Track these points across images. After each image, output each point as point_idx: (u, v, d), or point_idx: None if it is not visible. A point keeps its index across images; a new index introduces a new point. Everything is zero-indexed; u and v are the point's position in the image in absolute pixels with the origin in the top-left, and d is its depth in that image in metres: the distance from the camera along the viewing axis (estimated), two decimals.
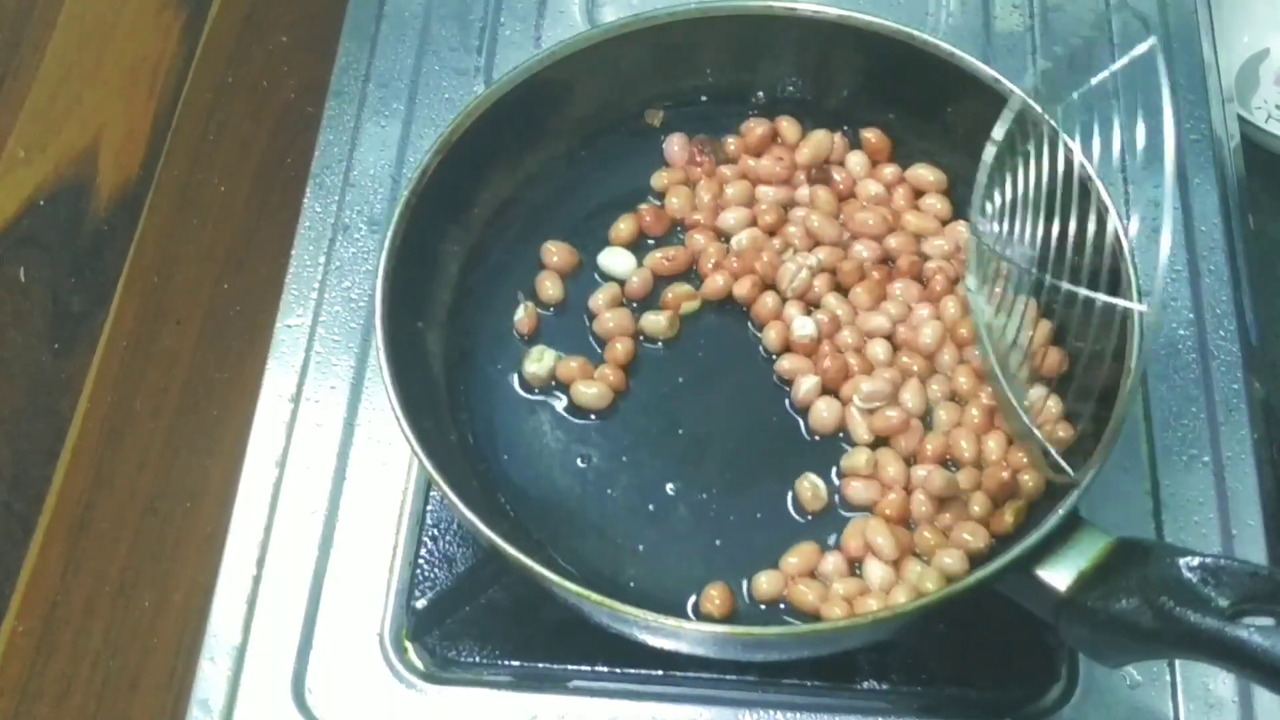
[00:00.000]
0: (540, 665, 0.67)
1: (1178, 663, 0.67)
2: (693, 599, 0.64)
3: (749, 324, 0.72)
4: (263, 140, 0.93)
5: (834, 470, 0.68)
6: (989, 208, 0.65)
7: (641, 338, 0.71)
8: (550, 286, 0.72)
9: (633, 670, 0.67)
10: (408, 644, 0.69)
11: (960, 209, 0.73)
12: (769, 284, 0.71)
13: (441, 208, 0.69)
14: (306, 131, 0.85)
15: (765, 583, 0.64)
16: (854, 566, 0.65)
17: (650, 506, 0.67)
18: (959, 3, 0.89)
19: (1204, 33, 0.87)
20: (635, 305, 0.72)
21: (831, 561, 0.64)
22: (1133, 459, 0.72)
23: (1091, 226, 0.60)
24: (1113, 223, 0.62)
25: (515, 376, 0.71)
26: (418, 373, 0.67)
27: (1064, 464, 0.59)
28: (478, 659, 0.67)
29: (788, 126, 0.75)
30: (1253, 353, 0.75)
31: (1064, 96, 0.62)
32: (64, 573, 0.77)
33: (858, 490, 0.66)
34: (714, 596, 0.63)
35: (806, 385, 0.68)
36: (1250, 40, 1.01)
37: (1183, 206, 0.80)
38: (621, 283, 0.72)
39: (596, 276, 0.73)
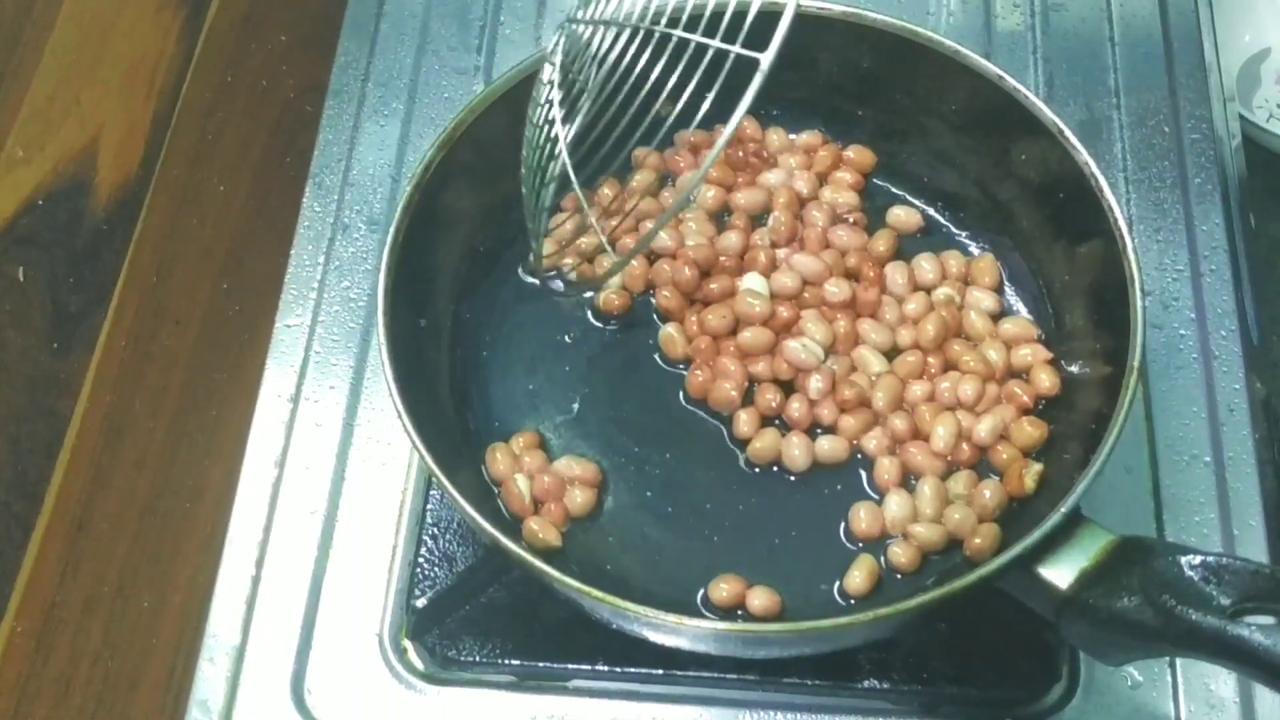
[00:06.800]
0: (540, 664, 0.67)
1: (1179, 662, 0.67)
2: (701, 592, 0.64)
3: None
4: (262, 140, 0.93)
5: None
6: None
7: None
8: None
9: (633, 670, 0.66)
10: (407, 644, 0.68)
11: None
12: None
13: (444, 204, 0.69)
14: (306, 131, 0.85)
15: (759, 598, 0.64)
16: None
17: (651, 501, 0.67)
18: (960, 2, 0.89)
19: (1205, 32, 0.87)
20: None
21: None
22: (1134, 459, 0.72)
23: None
24: None
25: (517, 372, 0.71)
26: (419, 369, 0.67)
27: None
28: (478, 658, 0.67)
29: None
30: (1254, 352, 0.75)
31: None
32: (63, 573, 0.77)
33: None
34: (723, 587, 0.63)
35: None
36: (1251, 39, 1.01)
37: (1184, 206, 0.80)
38: None
39: None
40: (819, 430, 0.68)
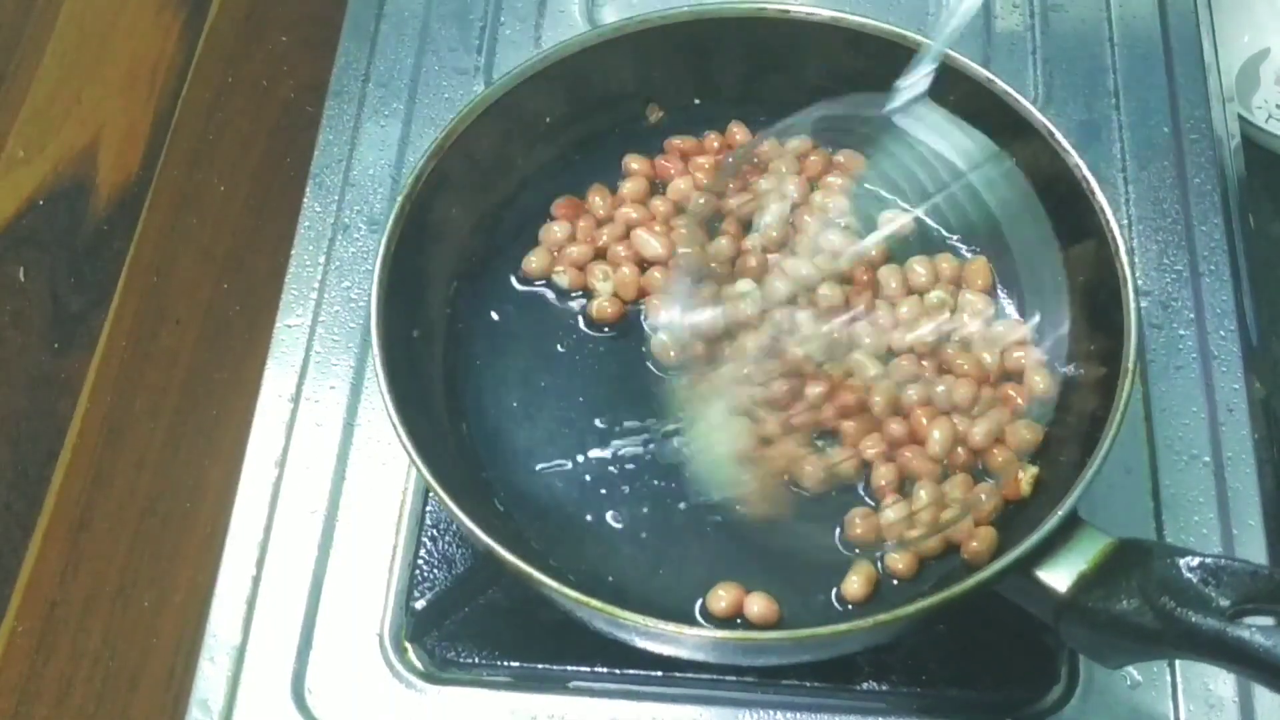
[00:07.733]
0: (539, 666, 0.67)
1: (1178, 663, 0.67)
2: (699, 601, 0.64)
3: None
4: (262, 140, 0.93)
5: None
6: None
7: None
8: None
9: (632, 671, 0.66)
10: (407, 644, 0.69)
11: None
12: None
13: (436, 214, 0.69)
14: (306, 131, 0.85)
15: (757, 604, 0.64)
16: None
17: (647, 510, 0.67)
18: (959, 3, 0.89)
19: (1204, 32, 0.87)
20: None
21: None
22: (1133, 459, 0.72)
23: None
24: None
25: (511, 380, 0.71)
26: (414, 377, 0.67)
27: None
28: (477, 659, 0.67)
29: None
30: (1253, 353, 0.75)
31: None
32: (63, 573, 0.78)
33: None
34: (721, 595, 0.63)
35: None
36: (1250, 40, 1.01)
37: (1183, 206, 0.80)
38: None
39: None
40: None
